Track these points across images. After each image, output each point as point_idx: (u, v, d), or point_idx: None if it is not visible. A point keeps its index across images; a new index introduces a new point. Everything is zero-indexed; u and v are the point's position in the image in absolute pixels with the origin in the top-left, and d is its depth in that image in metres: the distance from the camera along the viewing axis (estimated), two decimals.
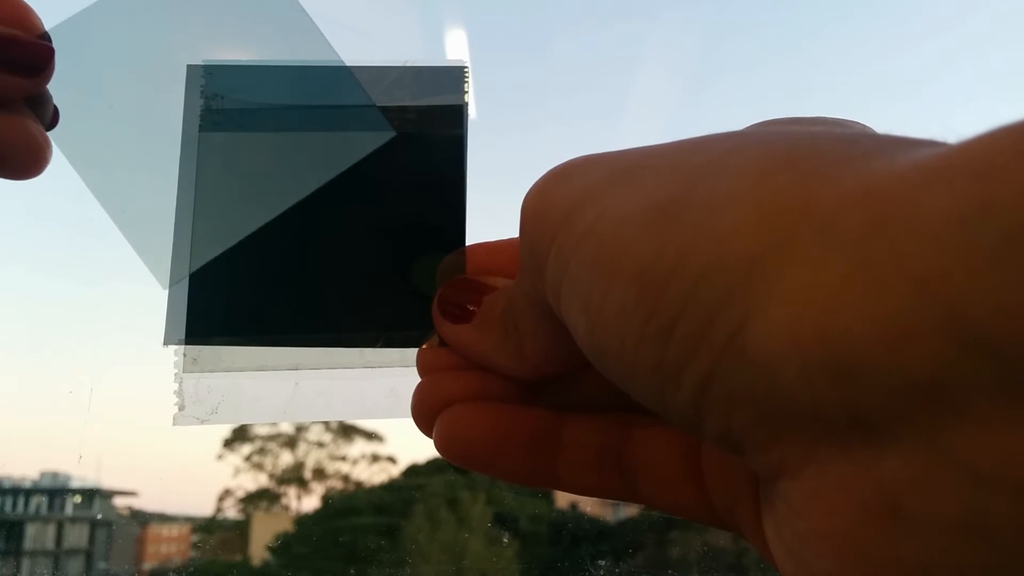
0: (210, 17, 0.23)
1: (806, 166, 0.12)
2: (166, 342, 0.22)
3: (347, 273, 0.22)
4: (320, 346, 0.22)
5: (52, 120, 0.21)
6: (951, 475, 0.10)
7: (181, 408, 0.22)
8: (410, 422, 0.20)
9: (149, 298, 0.22)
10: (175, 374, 0.22)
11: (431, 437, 0.19)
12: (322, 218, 0.23)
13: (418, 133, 0.23)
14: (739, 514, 0.16)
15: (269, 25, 0.23)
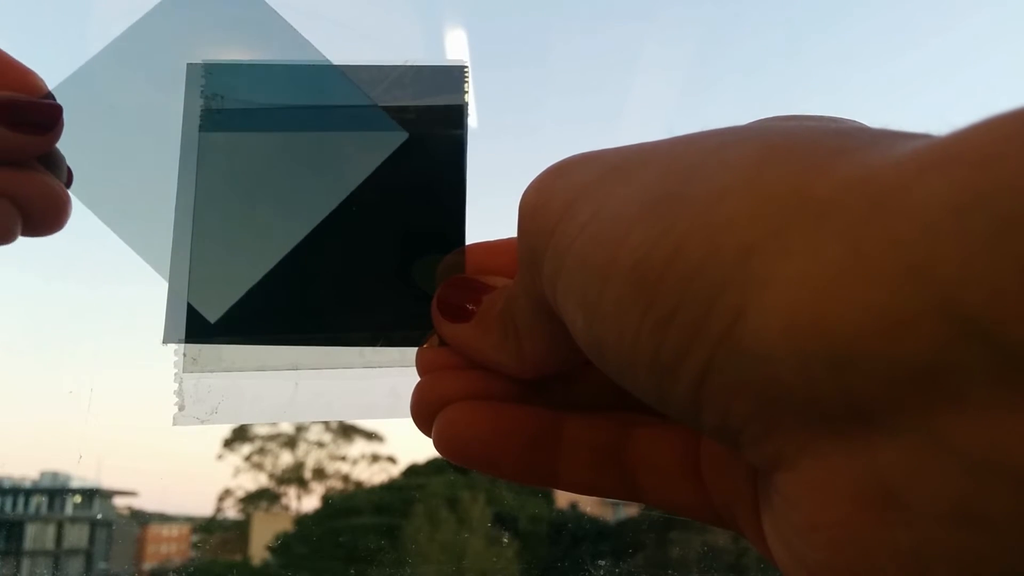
0: (205, 20, 0.23)
1: (801, 158, 0.12)
2: (165, 340, 0.22)
3: (347, 273, 0.22)
4: (320, 346, 0.22)
5: (67, 179, 0.22)
6: (946, 463, 0.10)
7: (181, 408, 0.22)
8: (410, 422, 0.20)
9: (149, 298, 0.22)
10: (175, 374, 0.22)
11: (430, 436, 0.19)
12: (322, 217, 0.23)
13: (418, 133, 0.23)
14: (738, 512, 0.16)
15: (254, 32, 0.23)
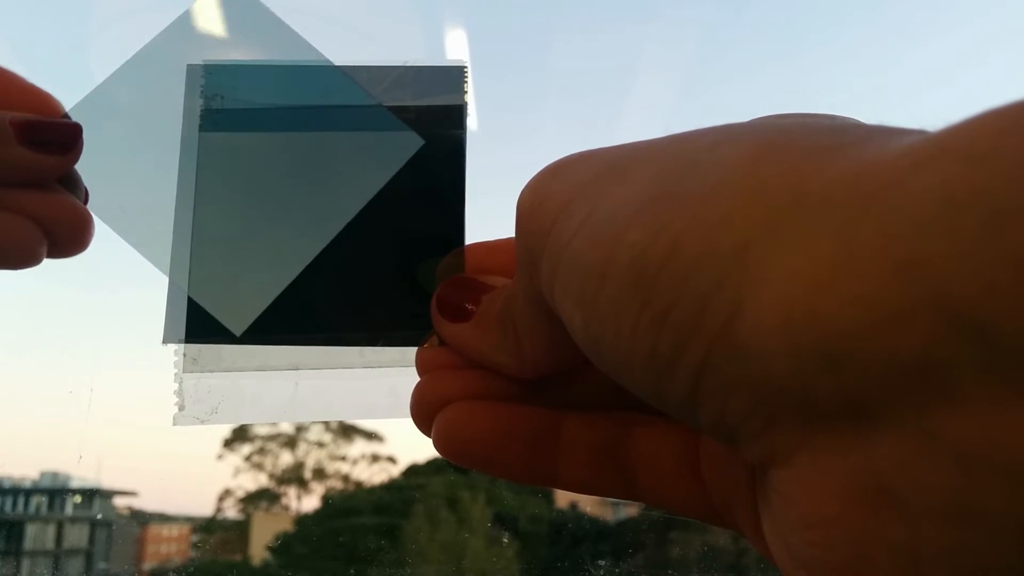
0: (205, 23, 0.23)
1: (796, 154, 0.12)
2: (165, 341, 0.22)
3: (347, 273, 0.22)
4: (320, 345, 0.22)
5: (84, 198, 0.22)
6: (940, 458, 0.10)
7: (181, 408, 0.22)
8: (410, 422, 0.20)
9: (149, 298, 0.22)
10: (175, 374, 0.22)
11: (430, 436, 0.19)
12: (322, 217, 0.23)
13: (418, 133, 0.23)
14: (737, 511, 0.16)
15: (254, 33, 0.23)
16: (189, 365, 0.22)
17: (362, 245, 0.22)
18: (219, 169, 0.23)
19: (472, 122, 0.24)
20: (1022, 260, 0.09)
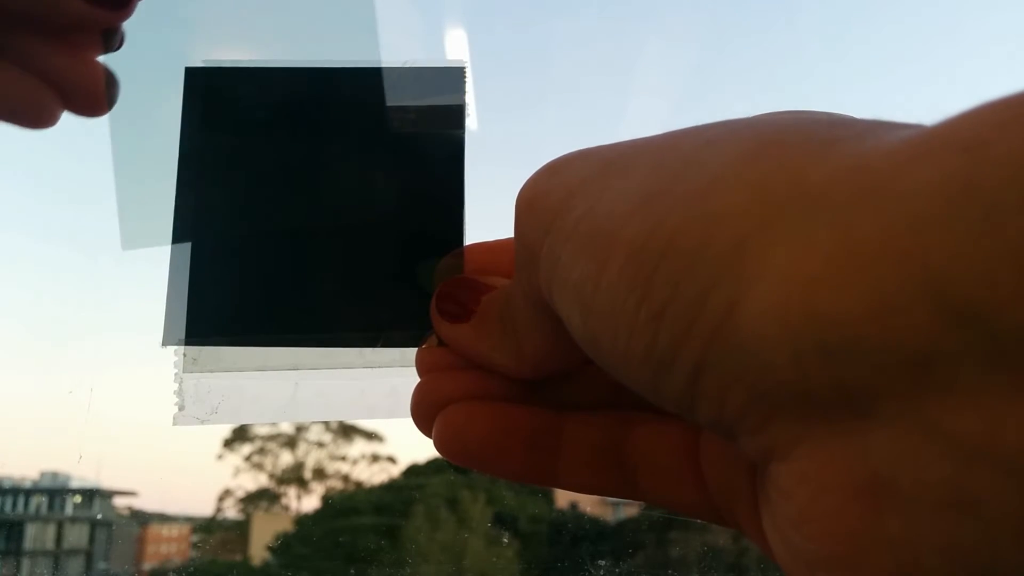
0: (214, 17, 0.23)
1: (793, 149, 0.12)
2: (165, 343, 0.22)
3: (346, 273, 0.22)
4: (320, 346, 0.22)
5: (120, 43, 0.21)
6: (938, 450, 0.10)
7: (181, 408, 0.22)
8: (410, 422, 0.20)
9: (149, 298, 0.22)
10: (175, 374, 0.22)
11: (430, 437, 0.19)
12: (322, 218, 0.23)
13: (418, 133, 0.23)
14: (738, 509, 0.16)
15: (254, 33, 0.23)
16: (189, 365, 0.22)
17: (362, 245, 0.22)
18: (219, 169, 0.23)
19: (472, 122, 0.24)
20: (1020, 252, 0.09)
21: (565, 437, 0.19)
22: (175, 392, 0.22)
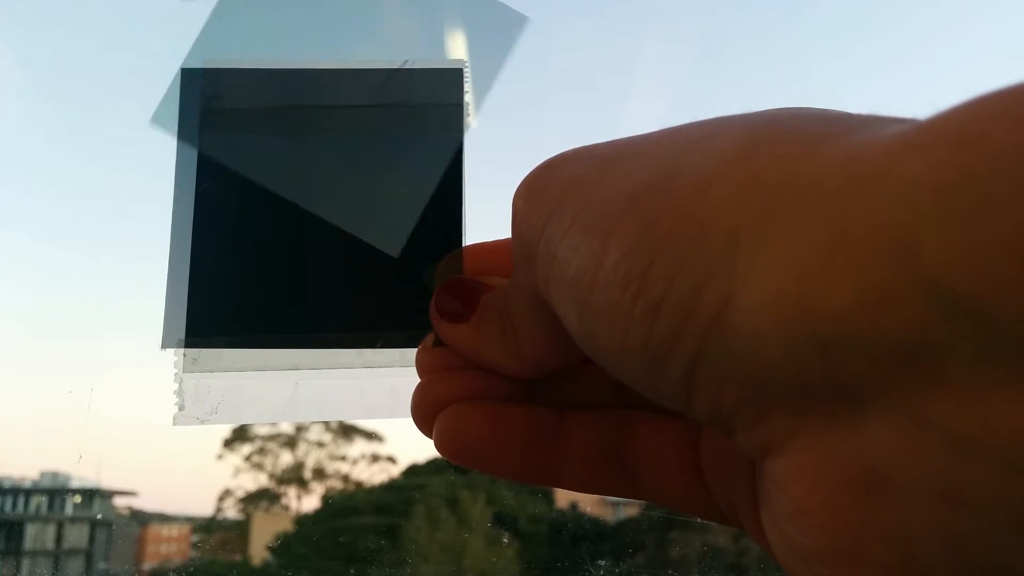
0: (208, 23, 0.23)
1: (787, 142, 0.12)
2: (164, 345, 0.22)
3: (346, 274, 0.22)
4: (320, 347, 0.22)
5: None
6: (931, 442, 0.10)
7: (181, 408, 0.22)
8: (410, 422, 0.20)
9: (149, 298, 0.22)
10: (175, 374, 0.22)
11: (431, 437, 0.19)
12: (321, 218, 0.23)
13: (417, 133, 0.23)
14: (739, 507, 0.16)
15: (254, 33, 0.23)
16: (189, 365, 0.22)
17: (362, 246, 0.22)
18: (218, 171, 0.23)
19: (471, 121, 0.24)
20: (1012, 244, 0.09)
21: (565, 436, 0.19)
22: (175, 392, 0.22)
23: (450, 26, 0.24)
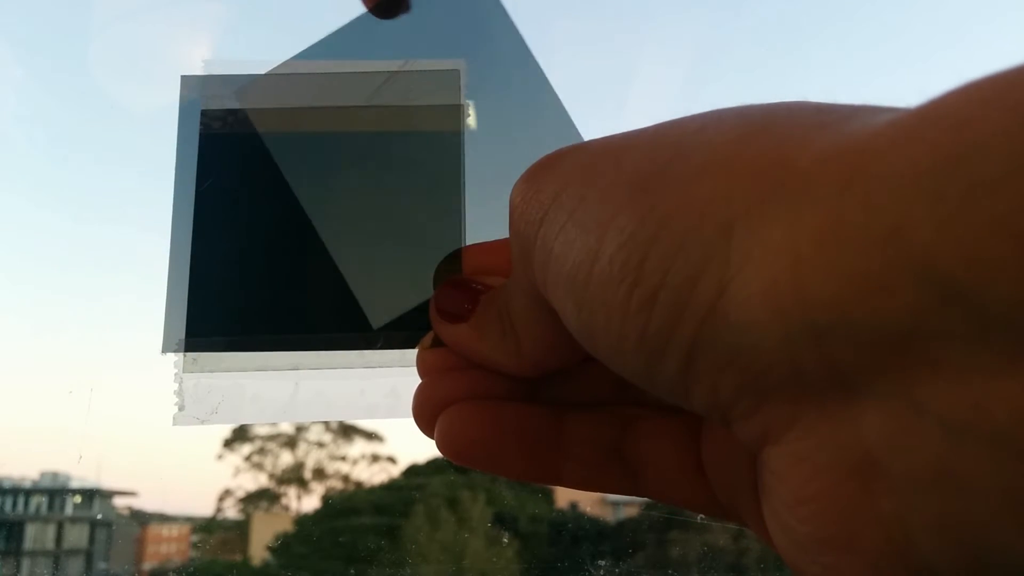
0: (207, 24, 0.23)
1: (781, 133, 0.12)
2: (165, 349, 0.22)
3: (346, 274, 0.22)
4: (320, 348, 0.22)
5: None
6: (927, 428, 0.10)
7: (181, 408, 0.22)
8: (410, 422, 0.20)
9: (149, 298, 0.22)
10: (175, 374, 0.22)
11: (432, 438, 0.20)
12: (321, 219, 0.23)
13: (416, 133, 0.23)
14: (741, 503, 0.16)
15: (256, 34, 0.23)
16: (189, 365, 0.22)
17: (361, 246, 0.22)
18: (218, 172, 0.23)
19: (471, 121, 0.24)
20: (1004, 228, 0.09)
21: (566, 435, 0.19)
22: (175, 392, 0.22)
23: (449, 26, 0.24)
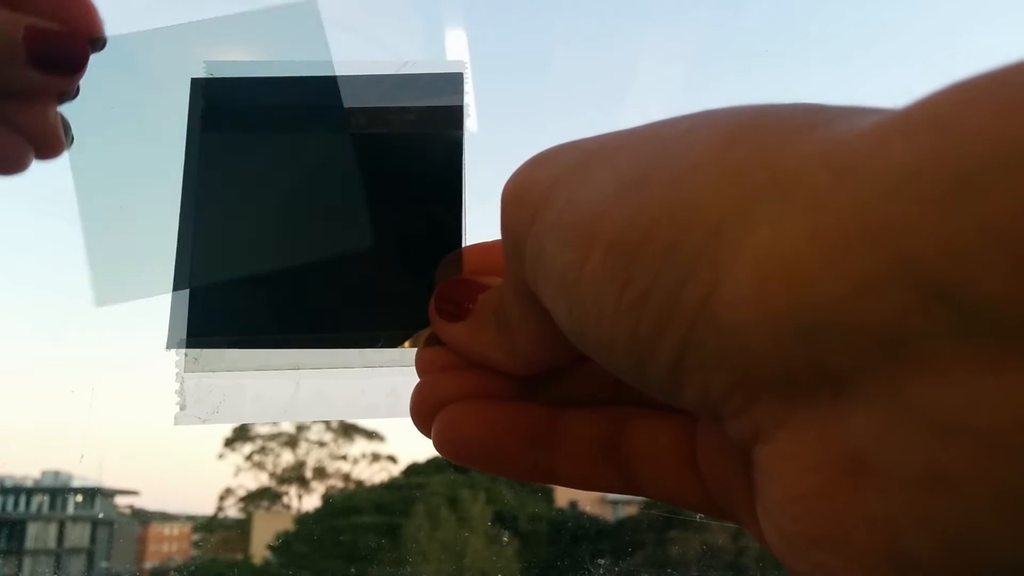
0: (216, 21, 0.24)
1: (770, 133, 0.12)
2: (169, 346, 0.22)
3: (346, 274, 0.22)
4: (321, 347, 0.22)
5: (74, 95, 0.23)
6: (915, 428, 0.10)
7: (182, 407, 0.22)
8: (410, 421, 0.20)
9: (151, 298, 0.23)
10: (176, 374, 0.22)
11: (430, 437, 0.20)
12: (322, 219, 0.23)
13: (417, 134, 0.23)
14: (736, 502, 0.16)
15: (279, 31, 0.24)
16: (190, 365, 0.22)
17: (362, 246, 0.23)
18: (220, 171, 0.23)
19: (471, 123, 0.24)
20: (988, 226, 0.09)
21: (563, 434, 0.19)
22: (176, 392, 0.22)
23: (451, 27, 0.24)
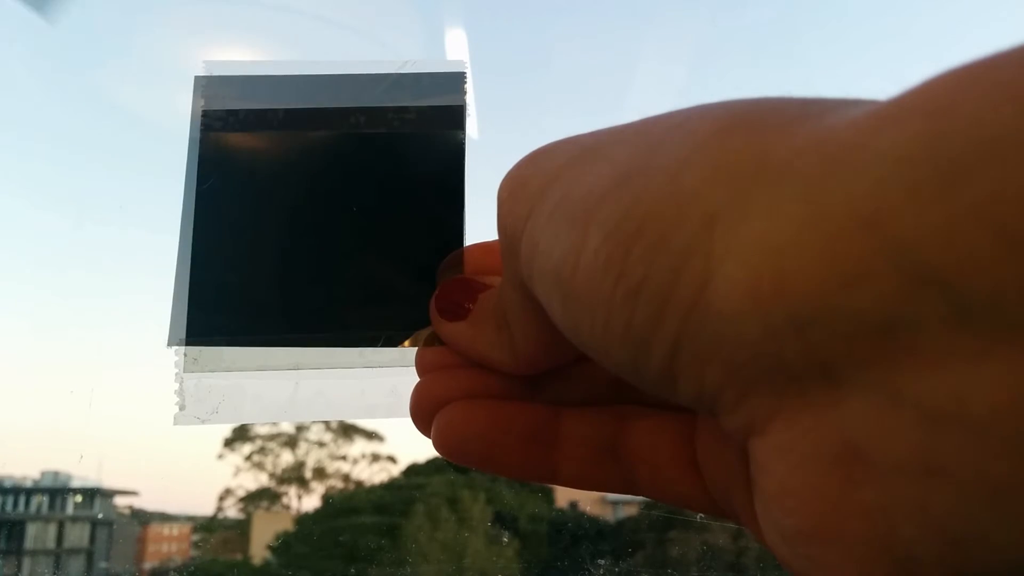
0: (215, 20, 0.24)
1: (762, 125, 0.12)
2: (170, 343, 0.22)
3: (347, 273, 0.22)
4: (320, 346, 0.22)
5: None
6: (908, 417, 0.10)
7: (182, 408, 0.22)
8: (410, 421, 0.20)
9: (151, 298, 0.22)
10: (176, 374, 0.22)
11: (429, 436, 0.20)
12: (323, 218, 0.23)
13: (418, 134, 0.23)
14: (735, 500, 0.16)
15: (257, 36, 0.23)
16: (190, 365, 0.22)
17: (363, 246, 0.23)
18: (221, 171, 0.23)
19: (472, 123, 0.24)
20: (979, 213, 0.09)
21: (563, 433, 0.19)
22: (176, 392, 0.22)
23: (451, 27, 0.24)
